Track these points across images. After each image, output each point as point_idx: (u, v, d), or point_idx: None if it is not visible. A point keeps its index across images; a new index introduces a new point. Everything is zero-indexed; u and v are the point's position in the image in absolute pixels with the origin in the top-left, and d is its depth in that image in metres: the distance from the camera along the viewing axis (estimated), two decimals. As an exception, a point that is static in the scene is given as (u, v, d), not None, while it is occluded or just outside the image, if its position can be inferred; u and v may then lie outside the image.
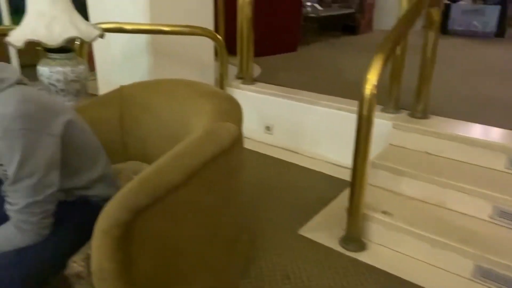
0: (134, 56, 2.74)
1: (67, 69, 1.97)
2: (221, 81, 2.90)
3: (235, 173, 1.42)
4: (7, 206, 1.06)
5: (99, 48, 2.93)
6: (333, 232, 1.95)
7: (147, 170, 1.15)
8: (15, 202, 1.04)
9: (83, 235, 1.16)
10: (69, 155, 1.13)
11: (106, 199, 1.29)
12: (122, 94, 1.68)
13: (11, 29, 1.94)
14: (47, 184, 1.06)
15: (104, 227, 1.02)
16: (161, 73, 2.72)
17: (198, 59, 2.94)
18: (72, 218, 1.17)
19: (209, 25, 2.88)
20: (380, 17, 5.87)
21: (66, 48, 1.99)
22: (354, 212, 1.82)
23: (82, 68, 2.03)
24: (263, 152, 2.82)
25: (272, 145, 2.91)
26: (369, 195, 1.86)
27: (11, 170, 1.01)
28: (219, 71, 2.80)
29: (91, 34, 1.97)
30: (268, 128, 2.94)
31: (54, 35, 1.84)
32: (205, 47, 2.93)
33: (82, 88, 2.06)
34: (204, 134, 1.29)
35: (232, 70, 3.11)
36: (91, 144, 1.26)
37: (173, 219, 1.17)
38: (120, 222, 1.01)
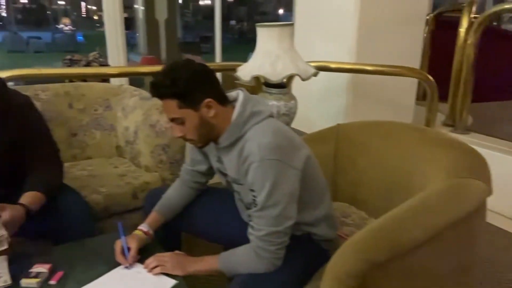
0: (332, 94, 2.77)
1: (281, 103, 2.07)
2: (427, 127, 2.65)
3: (476, 240, 1.19)
4: (250, 230, 1.10)
5: (298, 84, 3.07)
6: None
7: (382, 221, 1.05)
8: (258, 228, 1.07)
9: (305, 271, 1.15)
10: (301, 190, 1.12)
11: (326, 240, 1.26)
12: (338, 132, 1.65)
13: (238, 65, 2.17)
14: (287, 216, 1.07)
15: (339, 274, 0.96)
16: (356, 112, 2.66)
17: (397, 101, 2.78)
18: (298, 253, 1.15)
19: (415, 66, 2.70)
20: None
21: (281, 84, 2.10)
22: None
23: (293, 103, 2.12)
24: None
25: (493, 211, 2.44)
26: None
27: (260, 197, 1.04)
28: (426, 116, 2.58)
29: (307, 72, 2.04)
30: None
31: (277, 72, 1.97)
32: (407, 89, 2.75)
33: (290, 122, 2.14)
34: (448, 190, 1.12)
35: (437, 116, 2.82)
36: (320, 181, 1.24)
37: (403, 281, 1.03)
38: (358, 273, 0.94)
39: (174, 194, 1.36)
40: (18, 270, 1.11)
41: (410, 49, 2.70)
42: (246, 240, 1.20)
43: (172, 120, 1.11)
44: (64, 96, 1.93)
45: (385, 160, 1.47)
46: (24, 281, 1.07)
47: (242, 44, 13.31)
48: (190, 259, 1.17)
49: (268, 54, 2.00)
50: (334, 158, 1.63)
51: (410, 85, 2.71)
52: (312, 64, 2.35)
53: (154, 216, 1.30)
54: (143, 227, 1.26)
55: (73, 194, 1.41)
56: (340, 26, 2.67)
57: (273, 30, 2.00)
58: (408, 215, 1.06)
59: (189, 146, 1.36)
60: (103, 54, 3.33)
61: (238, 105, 1.12)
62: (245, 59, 2.20)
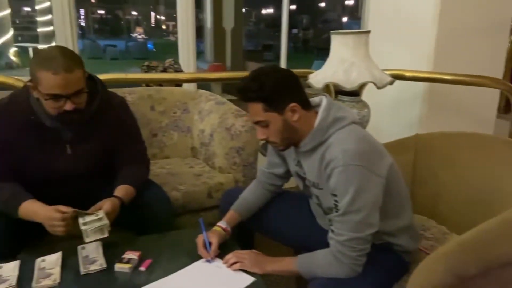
0: (405, 104, 2.68)
1: (354, 111, 2.05)
2: None
3: None
4: (330, 234, 1.11)
5: (369, 93, 3.01)
6: None
7: (472, 235, 1.00)
8: (339, 232, 1.07)
9: (385, 282, 1.14)
10: (384, 198, 1.11)
11: (407, 251, 1.22)
12: (418, 142, 1.60)
13: (309, 73, 2.19)
14: (370, 223, 1.06)
15: (424, 287, 0.94)
16: (432, 123, 2.55)
17: (477, 113, 2.62)
18: (379, 262, 1.13)
19: (497, 76, 2.54)
20: None
21: (354, 92, 2.09)
22: None
23: (366, 111, 2.09)
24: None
25: None
26: None
27: (343, 202, 1.05)
28: (510, 129, 2.41)
29: (383, 80, 2.01)
30: None
31: (351, 80, 1.96)
32: (488, 100, 2.59)
33: (361, 131, 2.12)
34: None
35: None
36: (403, 190, 1.21)
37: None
38: (444, 286, 0.91)
39: (251, 195, 1.41)
40: (110, 256, 1.21)
41: (493, 58, 2.55)
42: (319, 245, 1.21)
43: (257, 122, 1.15)
44: (147, 99, 2.08)
45: (471, 174, 1.40)
46: (117, 266, 1.17)
47: (304, 52, 13.34)
48: (268, 258, 1.20)
49: (342, 62, 2.00)
50: (413, 168, 1.58)
51: (491, 96, 2.55)
52: (387, 72, 2.31)
53: (232, 215, 1.36)
54: (222, 224, 1.32)
55: (157, 189, 1.50)
56: (416, 33, 2.59)
57: (348, 37, 2.00)
58: (500, 230, 1.01)
59: (268, 149, 1.40)
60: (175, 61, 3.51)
61: (321, 110, 1.14)
62: (308, 67, 2.21)
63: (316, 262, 1.12)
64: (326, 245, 1.21)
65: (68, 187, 1.39)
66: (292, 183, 1.42)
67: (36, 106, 1.29)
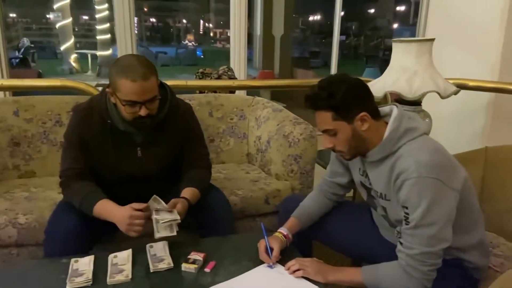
0: (468, 114, 2.57)
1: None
2: None
3: None
4: (399, 247, 1.08)
5: (429, 103, 2.91)
6: None
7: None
8: (410, 246, 1.05)
9: None
10: (456, 213, 1.07)
11: (477, 268, 1.17)
12: (487, 155, 1.53)
13: (368, 81, 2.15)
14: (442, 237, 1.04)
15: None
16: (497, 136, 2.43)
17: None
18: (448, 278, 1.10)
19: None
20: None
21: (415, 101, 2.03)
22: None
23: (428, 121, 2.03)
24: None
25: None
26: None
27: (414, 215, 1.03)
28: None
29: (447, 90, 1.94)
30: None
31: (414, 89, 1.91)
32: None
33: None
34: None
35: None
36: (475, 205, 1.17)
37: None
38: None
39: (312, 203, 1.41)
40: (176, 255, 1.26)
41: None
42: (382, 257, 1.19)
43: (325, 131, 1.16)
44: (206, 105, 2.14)
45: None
46: (184, 265, 1.21)
47: (352, 59, 13.15)
48: (331, 267, 1.20)
49: (404, 70, 1.96)
50: (482, 183, 1.52)
51: None
52: (449, 81, 2.22)
53: (293, 222, 1.36)
54: (283, 230, 1.33)
55: (219, 193, 1.55)
56: (481, 41, 2.48)
57: (411, 45, 1.95)
58: None
59: (331, 158, 1.40)
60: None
61: (392, 120, 1.13)
62: (358, 75, 2.16)
63: (382, 275, 1.10)
64: (389, 257, 1.19)
65: (136, 189, 1.47)
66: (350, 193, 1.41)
67: (112, 111, 1.38)
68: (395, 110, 1.15)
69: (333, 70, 4.84)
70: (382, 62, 11.05)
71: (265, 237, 1.28)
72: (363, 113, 1.10)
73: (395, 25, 16.99)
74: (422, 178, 1.01)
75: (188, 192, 1.40)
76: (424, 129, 1.12)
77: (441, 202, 1.02)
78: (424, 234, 1.02)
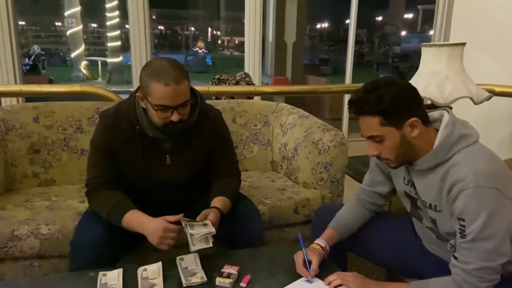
0: (494, 121, 2.49)
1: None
2: None
3: None
4: (454, 262, 1.01)
5: (456, 108, 2.85)
6: None
7: None
8: (466, 261, 0.98)
9: None
10: None
11: None
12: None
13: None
14: (502, 251, 0.96)
15: None
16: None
17: None
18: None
19: None
20: None
21: (446, 106, 1.96)
22: None
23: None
24: None
25: None
26: None
27: (472, 228, 0.96)
28: None
29: (480, 95, 1.88)
30: None
31: (445, 94, 1.85)
32: None
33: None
34: None
35: None
36: None
37: None
38: None
39: (350, 213, 1.34)
40: (207, 268, 1.20)
41: None
42: (425, 270, 1.13)
43: (370, 137, 1.09)
44: (229, 111, 2.09)
45: None
46: (218, 280, 1.14)
47: (361, 66, 13.11)
48: (375, 283, 1.13)
49: (435, 75, 1.90)
50: None
51: None
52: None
53: (330, 233, 1.29)
54: (321, 242, 1.26)
55: (249, 202, 1.48)
56: (507, 47, 2.42)
57: (442, 50, 1.89)
58: None
59: (370, 166, 1.34)
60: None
61: (444, 126, 1.06)
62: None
63: None
64: (434, 271, 1.13)
65: (164, 197, 1.41)
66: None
67: (141, 116, 1.32)
68: (446, 115, 1.08)
69: (348, 77, 4.79)
70: (392, 69, 10.99)
71: (303, 249, 1.21)
72: (413, 119, 1.03)
73: (403, 33, 16.98)
74: (481, 188, 0.95)
75: (219, 202, 1.33)
76: (477, 136, 1.06)
77: (500, 213, 0.95)
78: (482, 248, 0.95)
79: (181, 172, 1.40)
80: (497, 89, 2.33)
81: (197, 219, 1.23)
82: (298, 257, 1.20)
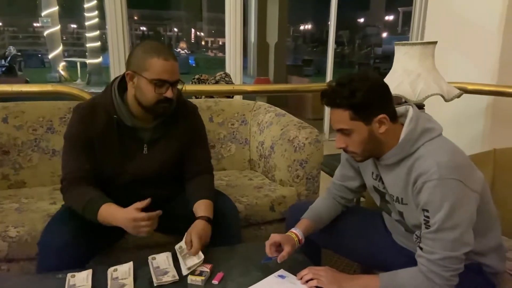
0: (467, 118, 2.55)
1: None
2: None
3: None
4: (419, 252, 1.03)
5: (429, 106, 2.90)
6: None
7: None
8: (431, 250, 0.99)
9: None
10: (476, 215, 1.02)
11: (496, 273, 1.11)
12: (495, 158, 1.50)
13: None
14: (465, 241, 0.98)
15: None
16: (496, 139, 2.40)
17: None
18: (466, 283, 1.04)
19: None
20: None
21: (418, 105, 1.99)
22: None
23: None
24: None
25: None
26: None
27: (436, 218, 0.98)
28: None
29: (451, 93, 1.91)
30: None
31: (417, 92, 1.88)
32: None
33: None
34: None
35: None
36: (492, 207, 1.12)
37: None
38: None
39: (323, 205, 1.35)
40: (180, 266, 1.18)
41: None
42: (395, 263, 1.13)
43: (339, 130, 1.10)
44: (206, 110, 2.07)
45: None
46: (190, 278, 1.13)
47: (343, 67, 13.24)
48: (346, 276, 1.13)
49: (408, 73, 1.92)
50: (492, 186, 1.47)
51: None
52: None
53: (306, 223, 1.29)
54: (298, 232, 1.24)
55: (227, 199, 1.48)
56: (480, 46, 2.47)
57: (414, 48, 1.92)
58: None
59: (341, 161, 1.35)
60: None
61: (408, 121, 1.07)
62: None
63: (402, 282, 1.04)
64: (403, 263, 1.13)
65: (140, 192, 1.38)
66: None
67: (119, 106, 1.32)
68: (410, 111, 1.10)
69: (329, 77, 4.84)
70: (373, 70, 11.15)
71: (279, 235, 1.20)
72: (382, 115, 1.04)
73: (384, 34, 17.25)
74: (444, 179, 0.96)
75: (204, 208, 1.32)
76: (440, 130, 1.08)
77: (463, 204, 0.97)
78: (446, 238, 0.97)
79: (157, 163, 1.39)
80: (470, 87, 2.38)
81: (185, 239, 1.23)
82: (272, 237, 1.20)
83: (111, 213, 1.23)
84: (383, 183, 1.16)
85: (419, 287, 1.01)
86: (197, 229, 1.25)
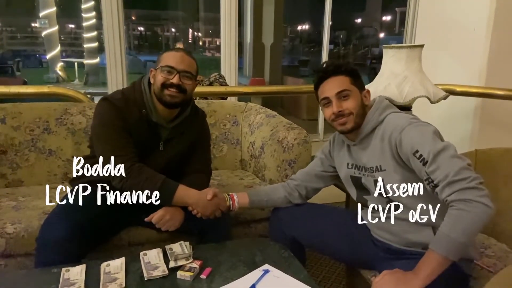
0: (455, 119, 2.61)
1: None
2: None
3: None
4: (439, 191, 1.04)
5: (417, 108, 2.95)
6: None
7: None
8: (443, 177, 1.02)
9: None
10: None
11: (469, 260, 1.17)
12: (477, 158, 1.55)
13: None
14: (462, 156, 1.07)
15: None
16: (484, 140, 2.46)
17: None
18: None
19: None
20: None
21: (405, 107, 2.05)
22: None
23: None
24: None
25: None
26: None
27: (426, 148, 1.07)
28: None
29: (437, 95, 1.96)
30: None
31: (404, 94, 1.93)
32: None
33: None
34: None
35: None
36: None
37: None
38: None
39: (270, 190, 1.52)
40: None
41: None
42: (376, 259, 1.24)
43: (340, 92, 1.23)
44: (198, 111, 2.12)
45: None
46: (179, 273, 1.19)
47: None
48: (407, 273, 1.04)
49: (395, 76, 1.98)
50: (473, 185, 1.52)
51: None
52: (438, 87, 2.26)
53: (243, 194, 1.48)
54: (234, 195, 1.46)
55: None
56: (468, 49, 2.54)
57: (401, 51, 1.98)
58: None
59: (316, 157, 1.47)
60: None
61: (377, 99, 1.29)
62: None
63: (449, 232, 0.99)
64: (385, 259, 1.23)
65: None
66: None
67: (148, 101, 1.42)
68: (378, 96, 1.31)
69: (323, 77, 4.89)
70: (370, 71, 11.20)
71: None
72: (366, 90, 1.28)
73: (382, 35, 17.31)
74: (415, 123, 1.15)
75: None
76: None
77: (440, 135, 1.12)
78: (446, 157, 1.05)
79: (169, 160, 1.48)
80: (458, 89, 2.44)
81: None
82: (214, 190, 1.41)
83: (187, 193, 1.38)
84: (358, 169, 1.30)
85: (468, 219, 0.98)
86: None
